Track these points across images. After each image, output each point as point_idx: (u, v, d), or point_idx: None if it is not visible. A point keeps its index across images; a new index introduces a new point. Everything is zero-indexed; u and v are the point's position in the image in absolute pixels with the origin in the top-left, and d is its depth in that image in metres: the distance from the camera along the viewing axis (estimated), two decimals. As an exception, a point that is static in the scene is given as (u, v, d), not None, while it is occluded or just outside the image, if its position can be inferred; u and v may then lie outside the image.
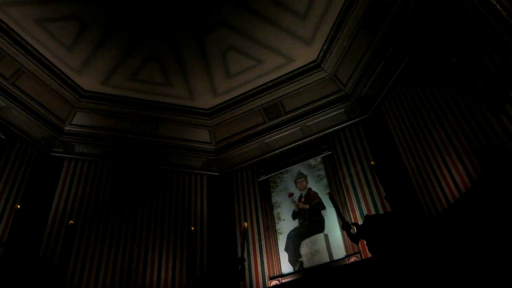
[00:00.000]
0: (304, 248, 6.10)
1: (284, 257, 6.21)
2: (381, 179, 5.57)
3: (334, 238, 5.92)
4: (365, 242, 5.04)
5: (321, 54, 6.66)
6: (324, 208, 6.28)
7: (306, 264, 5.94)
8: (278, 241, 6.43)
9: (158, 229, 6.82)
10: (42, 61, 6.26)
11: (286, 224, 6.53)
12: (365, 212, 5.85)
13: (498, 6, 3.41)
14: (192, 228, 6.61)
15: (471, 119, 4.52)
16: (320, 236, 6.05)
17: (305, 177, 6.86)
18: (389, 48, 5.85)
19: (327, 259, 5.79)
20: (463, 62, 4.51)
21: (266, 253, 6.40)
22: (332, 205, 5.23)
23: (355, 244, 5.50)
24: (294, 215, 6.54)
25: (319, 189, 6.55)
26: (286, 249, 6.27)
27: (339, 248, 5.76)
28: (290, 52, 6.68)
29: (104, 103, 7.14)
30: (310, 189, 6.66)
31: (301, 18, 6.11)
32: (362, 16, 5.80)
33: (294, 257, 6.12)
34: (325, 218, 6.17)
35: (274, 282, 6.04)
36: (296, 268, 6.00)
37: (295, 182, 6.90)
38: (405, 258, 4.51)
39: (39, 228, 6.05)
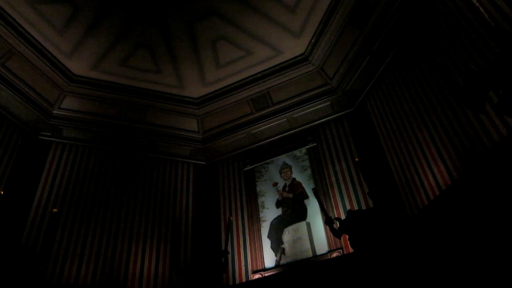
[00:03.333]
0: (287, 235, 6.26)
1: (267, 248, 6.33)
2: (364, 175, 5.67)
3: (315, 226, 6.08)
4: (347, 237, 5.09)
5: (309, 48, 6.81)
6: (307, 197, 6.44)
7: (287, 251, 6.09)
8: (261, 228, 6.57)
9: (143, 219, 6.84)
10: (33, 43, 6.26)
11: (269, 212, 6.69)
12: (348, 207, 5.95)
13: (480, 8, 3.54)
14: (178, 220, 6.67)
15: (453, 118, 4.67)
16: (303, 224, 6.22)
17: (289, 167, 7.02)
18: (374, 43, 6.01)
19: (308, 246, 5.95)
20: (446, 61, 4.69)
21: (250, 247, 6.49)
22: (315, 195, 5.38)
23: (337, 240, 5.60)
24: (278, 204, 6.70)
25: (303, 179, 6.72)
26: (269, 236, 6.42)
27: (321, 240, 5.89)
28: (279, 45, 6.81)
29: (94, 88, 7.15)
30: (294, 179, 6.82)
31: (290, 11, 6.25)
32: (350, 11, 5.96)
33: (277, 244, 6.27)
34: (308, 207, 6.33)
35: (257, 276, 6.13)
36: (278, 255, 6.14)
37: (280, 172, 7.06)
38: (386, 253, 4.61)
39: (23, 215, 6.01)
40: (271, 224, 6.54)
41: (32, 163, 6.58)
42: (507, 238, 3.76)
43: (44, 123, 6.91)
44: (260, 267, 6.20)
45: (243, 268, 6.37)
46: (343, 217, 5.69)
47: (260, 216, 6.73)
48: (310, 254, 5.90)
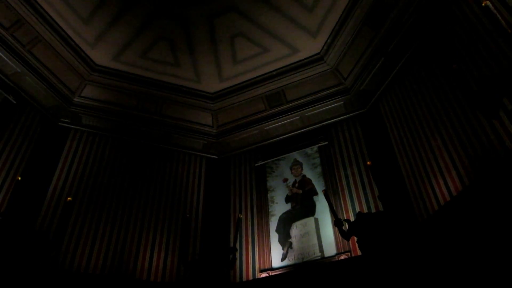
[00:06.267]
0: (295, 230, 6.36)
1: (275, 243, 6.42)
2: (375, 178, 5.68)
3: (323, 222, 6.17)
4: (355, 239, 5.14)
5: (325, 47, 6.93)
6: (316, 194, 6.55)
7: (295, 245, 6.19)
8: (270, 223, 6.68)
9: (154, 211, 6.95)
10: (59, 32, 6.49)
11: (278, 207, 6.80)
12: (358, 210, 5.96)
13: (498, 15, 3.56)
14: (188, 215, 6.78)
15: (466, 124, 4.67)
16: (311, 219, 6.32)
17: (300, 164, 7.13)
18: (389, 45, 6.09)
19: (315, 242, 6.04)
20: (460, 66, 4.69)
21: (258, 245, 6.56)
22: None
23: (346, 242, 5.65)
24: (287, 199, 6.82)
25: (313, 176, 6.82)
26: (277, 230, 6.53)
27: (330, 242, 5.94)
28: (296, 43, 6.94)
29: (114, 78, 7.37)
30: (304, 175, 6.93)
31: (308, 10, 6.38)
32: (366, 13, 6.06)
33: (284, 238, 6.37)
34: (317, 203, 6.43)
35: (264, 275, 6.18)
36: (285, 249, 6.24)
37: (291, 169, 7.17)
38: (394, 257, 4.61)
39: (38, 202, 6.15)
40: (280, 218, 6.65)
41: (50, 149, 6.76)
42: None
43: (64, 110, 7.12)
44: (267, 266, 6.26)
45: (250, 266, 6.43)
46: (352, 219, 5.67)
47: (269, 210, 6.85)
48: (317, 249, 5.97)
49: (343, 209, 6.17)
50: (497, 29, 4.25)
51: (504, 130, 4.13)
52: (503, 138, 4.13)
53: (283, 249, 6.28)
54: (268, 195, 7.07)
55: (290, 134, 7.63)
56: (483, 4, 3.48)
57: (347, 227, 5.04)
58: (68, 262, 5.84)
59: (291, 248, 6.21)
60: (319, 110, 7.34)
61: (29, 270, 4.99)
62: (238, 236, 6.55)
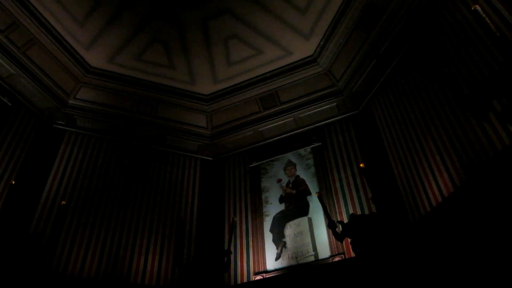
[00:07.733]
0: (288, 230, 6.43)
1: (269, 242, 6.48)
2: (368, 180, 5.75)
3: (317, 222, 6.24)
4: (349, 241, 5.17)
5: (318, 49, 7.01)
6: (309, 194, 6.63)
7: (288, 244, 6.26)
8: (264, 223, 6.74)
9: (149, 214, 6.96)
10: (54, 34, 6.51)
11: (272, 208, 6.87)
12: (352, 212, 6.01)
13: (487, 19, 3.64)
14: (183, 218, 6.82)
15: (457, 126, 4.75)
16: (304, 219, 6.39)
17: (294, 165, 7.20)
18: (381, 47, 6.17)
19: (309, 241, 6.12)
20: (451, 69, 4.77)
21: (253, 248, 6.59)
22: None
23: (340, 244, 5.71)
24: (281, 199, 6.89)
25: (307, 177, 6.90)
26: (271, 230, 6.60)
27: (324, 244, 5.99)
28: (289, 45, 7.02)
29: (109, 80, 7.39)
30: (298, 176, 7.01)
31: (301, 13, 6.46)
32: (359, 15, 6.14)
33: (278, 237, 6.43)
34: (310, 203, 6.51)
35: (258, 277, 6.21)
36: (280, 248, 6.31)
37: (284, 169, 7.25)
38: (387, 258, 4.66)
39: (32, 205, 6.14)
40: (274, 218, 6.72)
41: (45, 151, 6.76)
42: (507, 245, 3.83)
43: (59, 112, 7.13)
44: (262, 269, 6.30)
45: (245, 269, 6.46)
46: (346, 221, 5.69)
47: (264, 211, 6.91)
48: (310, 248, 6.04)
49: (337, 210, 6.23)
50: (486, 32, 4.34)
51: (494, 132, 4.20)
52: (493, 139, 4.20)
53: (277, 248, 6.34)
54: (263, 195, 7.14)
55: (284, 135, 7.71)
56: (472, 8, 3.56)
57: (340, 229, 5.09)
58: (63, 265, 5.83)
59: (285, 247, 6.28)
60: (312, 111, 7.41)
61: (23, 274, 4.98)
62: (233, 238, 6.57)
